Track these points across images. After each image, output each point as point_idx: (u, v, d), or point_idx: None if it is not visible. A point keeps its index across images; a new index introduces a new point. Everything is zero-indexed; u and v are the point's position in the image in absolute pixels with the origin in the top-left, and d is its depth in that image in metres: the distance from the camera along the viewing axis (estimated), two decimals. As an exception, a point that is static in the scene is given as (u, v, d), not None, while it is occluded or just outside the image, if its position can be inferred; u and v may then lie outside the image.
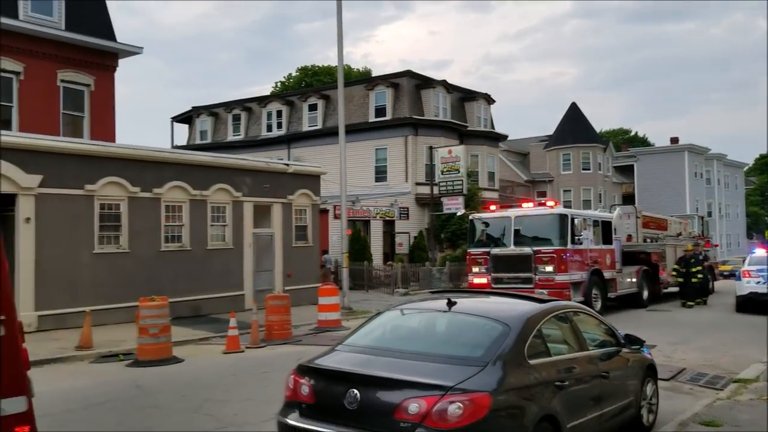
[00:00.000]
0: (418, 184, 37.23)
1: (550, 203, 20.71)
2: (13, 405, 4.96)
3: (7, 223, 15.81)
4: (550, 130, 62.95)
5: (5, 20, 19.35)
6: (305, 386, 5.48)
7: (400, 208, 35.40)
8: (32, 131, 17.88)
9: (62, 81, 21.12)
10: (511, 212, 20.48)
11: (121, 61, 23.20)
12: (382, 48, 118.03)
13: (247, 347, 14.02)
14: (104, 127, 21.96)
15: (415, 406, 4.83)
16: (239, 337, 13.95)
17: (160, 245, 18.49)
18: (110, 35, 22.72)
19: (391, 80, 39.32)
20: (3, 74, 19.59)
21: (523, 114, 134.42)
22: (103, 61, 22.40)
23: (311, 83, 57.15)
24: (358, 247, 30.19)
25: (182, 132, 50.47)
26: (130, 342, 13.53)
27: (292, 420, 5.43)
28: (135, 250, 17.78)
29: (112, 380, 10.92)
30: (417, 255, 34.31)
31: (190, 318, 18.23)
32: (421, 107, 38.51)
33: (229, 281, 20.34)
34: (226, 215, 20.54)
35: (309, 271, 23.14)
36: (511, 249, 19.56)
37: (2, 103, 19.61)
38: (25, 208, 15.57)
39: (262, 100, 45.44)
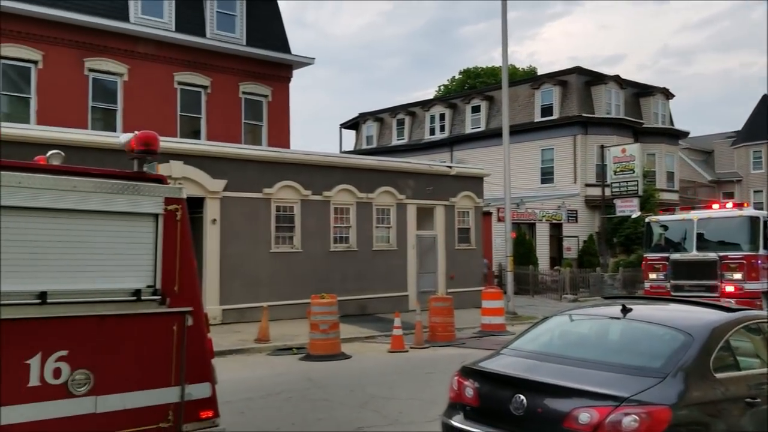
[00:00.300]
0: (587, 185, 35.63)
1: (740, 205, 18.86)
2: (199, 390, 5.35)
3: (195, 224, 17.29)
4: (738, 125, 57.61)
5: (194, 38, 21.28)
6: (469, 389, 5.38)
7: (568, 210, 34.09)
8: (218, 140, 19.49)
9: (243, 93, 22.81)
10: (694, 214, 18.89)
11: (295, 72, 24.59)
12: (549, 46, 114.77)
13: (411, 347, 14.18)
14: (280, 135, 23.42)
15: (586, 416, 4.55)
16: (403, 337, 14.16)
17: (329, 246, 19.30)
18: (285, 48, 24.17)
19: (558, 78, 38.05)
20: (193, 88, 21.54)
21: (707, 109, 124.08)
22: (280, 72, 23.88)
23: (474, 85, 56.91)
24: (523, 251, 29.49)
25: (350, 137, 52.49)
26: (302, 337, 14.22)
27: (457, 422, 5.35)
28: (307, 249, 18.71)
29: (287, 372, 11.53)
30: (586, 260, 32.84)
31: (357, 316, 18.84)
32: (591, 105, 36.85)
33: (394, 282, 20.74)
34: (390, 217, 20.99)
35: (472, 273, 22.98)
36: (694, 254, 18.06)
37: (193, 115, 21.56)
38: (211, 210, 16.98)
39: (426, 104, 45.99)
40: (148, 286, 5.07)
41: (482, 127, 40.83)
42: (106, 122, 19.82)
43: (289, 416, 8.25)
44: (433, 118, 44.31)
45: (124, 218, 5.01)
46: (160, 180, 5.33)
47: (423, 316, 15.19)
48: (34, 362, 4.51)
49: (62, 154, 5.48)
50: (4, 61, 18.19)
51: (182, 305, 5.23)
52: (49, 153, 5.45)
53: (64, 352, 4.64)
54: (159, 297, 5.11)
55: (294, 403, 9.03)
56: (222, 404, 8.46)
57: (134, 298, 4.99)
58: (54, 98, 18.69)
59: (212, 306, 16.72)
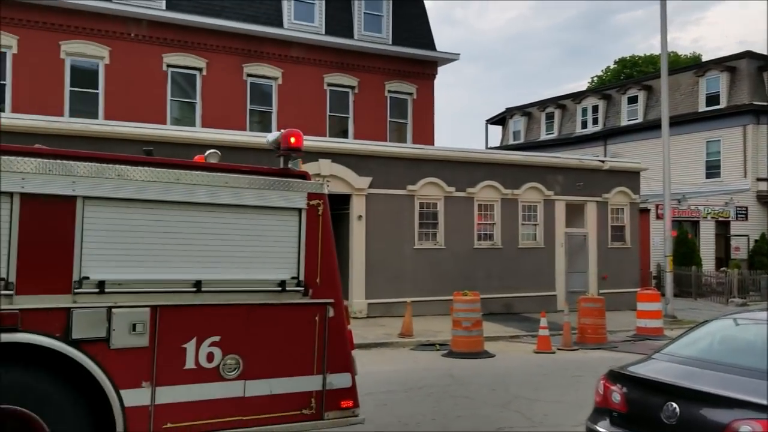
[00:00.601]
0: (759, 179, 32.47)
1: None
2: (340, 380, 5.49)
3: (342, 221, 17.90)
4: None
5: (343, 40, 21.98)
6: (617, 394, 5.07)
7: (737, 207, 31.28)
8: (364, 138, 19.99)
9: (389, 91, 23.23)
10: None
11: (440, 69, 24.64)
12: (715, 30, 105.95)
13: (558, 348, 13.71)
14: (424, 132, 23.59)
15: (747, 429, 4.12)
16: (550, 337, 13.71)
17: (473, 243, 19.13)
18: (431, 45, 24.29)
19: (725, 63, 34.99)
20: (341, 89, 22.27)
21: None
22: (424, 70, 24.05)
23: (630, 75, 53.90)
24: (685, 251, 27.48)
25: (496, 133, 51.78)
26: (445, 333, 14.21)
27: (602, 428, 5.07)
28: (450, 246, 18.68)
29: (429, 367, 11.57)
30: (757, 261, 29.93)
31: (501, 315, 18.53)
32: (764, 92, 33.56)
33: (540, 281, 20.16)
34: (537, 214, 20.41)
35: (627, 274, 21.76)
36: None
37: (341, 115, 22.30)
38: (357, 207, 17.45)
39: (577, 96, 44.24)
40: (293, 278, 5.28)
41: (639, 119, 38.56)
42: (263, 124, 21.02)
43: (429, 411, 8.26)
44: (585, 110, 42.53)
45: (270, 212, 5.25)
46: (304, 176, 5.54)
47: (572, 317, 14.63)
48: (190, 346, 4.84)
49: (219, 153, 5.85)
50: (173, 69, 19.85)
51: (324, 297, 5.40)
52: (207, 152, 5.83)
53: (216, 338, 4.94)
54: (302, 288, 5.30)
55: (435, 398, 9.03)
56: (364, 395, 8.67)
57: (279, 288, 5.22)
58: (216, 102, 20.12)
59: (358, 300, 17.20)
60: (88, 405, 4.52)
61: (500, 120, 50.07)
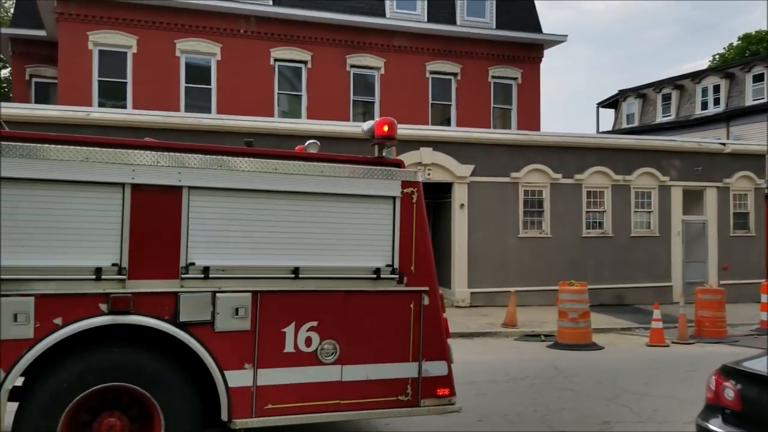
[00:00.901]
0: None
1: None
2: (436, 368, 5.48)
3: (444, 210, 17.83)
4: None
5: (445, 27, 21.80)
6: (730, 390, 4.74)
7: None
8: (467, 125, 19.79)
9: (493, 77, 22.81)
10: None
11: (546, 52, 23.92)
12: None
13: (672, 342, 13.04)
14: (530, 117, 23.01)
15: None
16: (664, 330, 13.06)
17: (581, 231, 18.49)
18: (536, 28, 23.62)
19: None
20: (444, 76, 22.11)
21: None
22: (530, 53, 23.41)
23: (756, 51, 50.07)
24: (818, 239, 25.27)
25: (608, 117, 49.71)
26: (550, 324, 13.87)
27: (714, 426, 4.76)
28: (556, 235, 18.15)
29: (533, 358, 11.34)
30: None
31: (612, 306, 17.84)
32: None
33: (655, 271, 19.20)
34: (651, 201, 19.41)
35: (750, 264, 20.30)
36: None
37: (444, 102, 22.16)
38: (459, 195, 17.29)
39: (696, 76, 41.61)
40: (387, 265, 5.32)
41: (765, 98, 35.78)
42: (366, 114, 21.26)
43: (531, 402, 8.09)
44: (705, 90, 39.96)
45: (365, 201, 5.30)
46: (398, 164, 5.54)
47: (688, 309, 13.86)
48: (289, 331, 4.99)
49: (318, 143, 5.97)
50: (279, 63, 20.45)
51: (418, 284, 5.40)
52: (307, 143, 5.97)
53: (314, 323, 5.07)
54: (397, 276, 5.33)
55: (538, 389, 8.83)
56: (465, 384, 8.66)
57: (374, 276, 5.27)
58: (321, 94, 20.55)
59: (460, 289, 17.10)
60: (195, 385, 4.76)
61: (612, 103, 47.97)
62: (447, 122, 21.91)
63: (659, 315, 13.05)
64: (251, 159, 5.00)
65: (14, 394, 4.38)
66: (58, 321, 4.39)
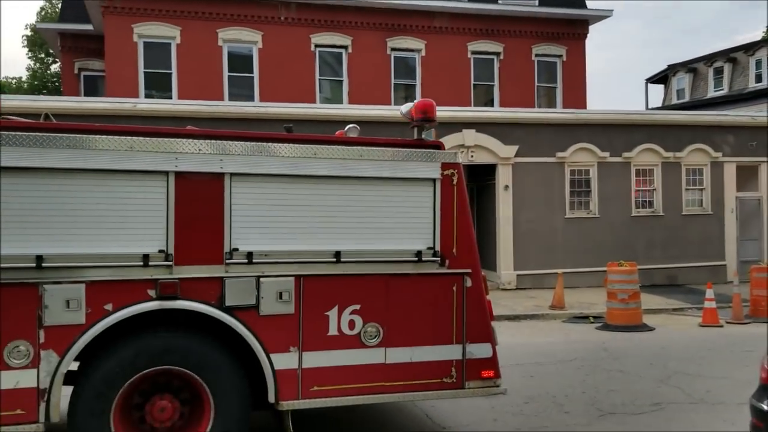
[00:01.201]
0: None
1: None
2: (480, 350, 5.45)
3: (488, 191, 17.66)
4: None
5: (487, 6, 21.47)
6: (786, 371, 4.58)
7: None
8: (511, 106, 19.51)
9: (536, 55, 22.41)
10: None
11: (591, 28, 23.35)
12: None
13: (727, 322, 12.70)
14: (575, 95, 22.54)
15: None
16: (718, 310, 12.72)
17: (630, 210, 18.09)
18: (581, 3, 23.08)
19: None
20: (486, 56, 21.83)
21: None
22: (575, 30, 22.90)
23: (816, 19, 47.83)
24: None
25: (657, 93, 48.37)
26: (599, 306, 13.66)
27: (769, 407, 4.61)
28: (604, 215, 17.80)
29: (581, 340, 11.19)
30: None
31: (664, 287, 17.46)
32: None
33: (707, 250, 18.67)
34: (703, 178, 18.84)
35: (810, 241, 19.57)
36: None
37: (486, 83, 21.88)
38: (503, 177, 17.09)
39: (750, 48, 40.02)
40: (428, 248, 5.30)
41: (825, 68, 34.25)
42: (407, 97, 21.15)
43: (579, 384, 7.99)
44: (759, 63, 38.42)
45: (405, 183, 5.28)
46: (438, 146, 5.50)
47: (743, 288, 13.47)
48: (332, 314, 5.03)
49: (358, 128, 5.97)
50: (320, 48, 20.50)
51: (460, 267, 5.36)
52: (347, 127, 5.97)
53: (357, 306, 5.09)
54: (438, 258, 5.30)
55: (586, 371, 8.71)
56: (512, 367, 8.62)
57: (416, 259, 5.26)
58: (361, 79, 20.53)
59: (506, 271, 16.96)
60: (242, 369, 4.85)
61: (662, 78, 46.60)
62: (490, 103, 21.65)
63: (712, 294, 12.70)
64: (291, 144, 5.02)
65: (69, 379, 4.53)
66: (108, 307, 4.52)
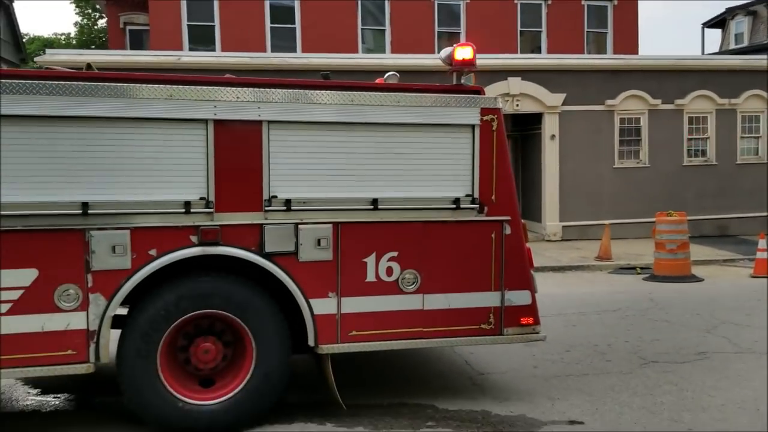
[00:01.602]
0: None
1: None
2: (519, 297, 5.44)
3: (533, 141, 17.34)
4: None
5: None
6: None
7: None
8: (559, 53, 18.91)
9: (586, 0, 21.58)
10: None
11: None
12: None
13: (779, 273, 12.37)
14: (627, 41, 21.74)
15: None
16: (771, 261, 12.39)
17: (681, 160, 17.57)
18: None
19: None
20: (533, 1, 21.12)
21: None
22: (626, -28, 21.96)
23: None
24: None
25: (714, 38, 46.24)
26: (647, 257, 13.45)
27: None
28: (655, 164, 17.34)
29: (627, 290, 11.07)
30: None
31: (714, 237, 17.04)
32: None
33: (761, 200, 18.04)
34: (760, 125, 18.11)
35: None
36: None
37: (533, 29, 21.24)
38: (550, 126, 16.74)
39: (817, -13, 37.76)
40: (467, 195, 5.25)
41: None
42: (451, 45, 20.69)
43: (622, 333, 7.92)
44: (826, 2, 36.29)
45: (443, 130, 5.22)
46: (478, 91, 5.38)
47: (798, 238, 13.03)
48: (370, 261, 5.06)
49: (397, 75, 5.90)
50: (359, -4, 20.15)
51: (499, 214, 5.31)
52: (387, 75, 5.90)
53: (394, 253, 5.11)
54: (477, 206, 5.26)
55: (630, 320, 8.63)
56: (554, 316, 8.62)
57: (454, 206, 5.23)
58: (405, 28, 20.15)
59: (551, 222, 16.78)
60: (281, 312, 4.95)
61: (719, 23, 44.46)
62: (537, 51, 21.04)
63: (765, 245, 12.35)
64: (327, 91, 4.99)
65: (117, 323, 4.70)
66: (152, 252, 4.64)
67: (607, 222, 14.74)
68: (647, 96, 17.18)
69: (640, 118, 17.31)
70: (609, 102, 16.99)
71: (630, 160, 17.35)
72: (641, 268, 13.08)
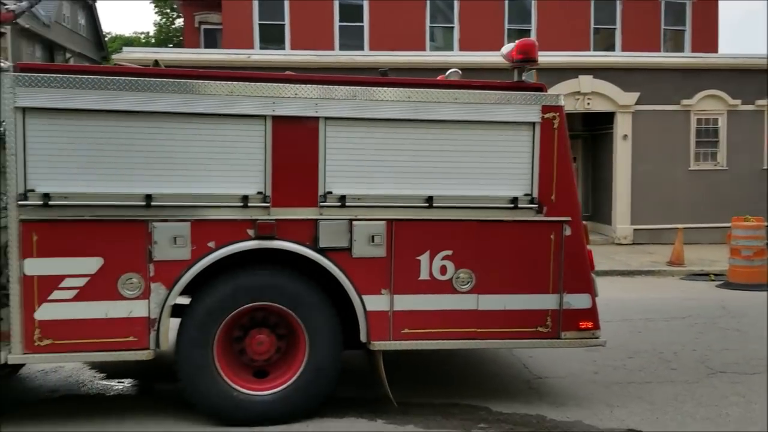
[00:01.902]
0: None
1: None
2: (578, 300, 5.29)
3: (604, 141, 16.86)
4: None
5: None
6: None
7: None
8: (633, 50, 18.33)
9: (667, -3, 20.82)
10: None
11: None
12: None
13: None
14: (706, 39, 20.84)
15: None
16: None
17: (762, 163, 16.73)
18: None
19: None
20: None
21: None
22: (707, -33, 21.05)
23: None
24: None
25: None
26: (721, 263, 12.87)
27: None
28: (733, 167, 16.58)
29: (698, 297, 10.64)
30: None
31: (797, 245, 16.14)
32: None
33: None
34: None
35: None
36: None
37: (607, 26, 20.63)
38: (622, 126, 16.25)
39: None
40: (525, 195, 5.15)
41: None
42: (522, 43, 20.33)
43: (690, 341, 7.60)
44: None
45: (502, 127, 5.13)
46: (539, 88, 5.27)
47: None
48: (424, 259, 5.03)
49: (459, 72, 5.84)
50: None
51: (559, 215, 5.19)
52: (448, 71, 5.86)
53: (449, 252, 5.06)
54: (536, 205, 5.15)
55: (699, 329, 8.27)
56: (620, 322, 8.37)
57: (512, 205, 5.13)
58: (473, 25, 19.92)
59: (622, 225, 16.29)
60: (334, 307, 4.98)
61: (810, 18, 42.08)
62: (611, 48, 20.37)
63: None
64: (384, 88, 4.98)
65: (176, 312, 4.84)
66: (211, 244, 4.76)
67: (680, 226, 14.18)
68: (726, 96, 16.45)
69: (718, 118, 16.58)
70: (685, 102, 16.34)
71: (707, 162, 16.65)
72: (715, 275, 12.54)
